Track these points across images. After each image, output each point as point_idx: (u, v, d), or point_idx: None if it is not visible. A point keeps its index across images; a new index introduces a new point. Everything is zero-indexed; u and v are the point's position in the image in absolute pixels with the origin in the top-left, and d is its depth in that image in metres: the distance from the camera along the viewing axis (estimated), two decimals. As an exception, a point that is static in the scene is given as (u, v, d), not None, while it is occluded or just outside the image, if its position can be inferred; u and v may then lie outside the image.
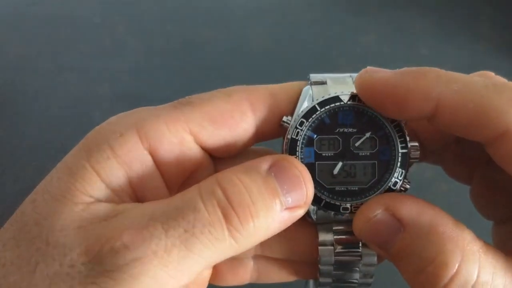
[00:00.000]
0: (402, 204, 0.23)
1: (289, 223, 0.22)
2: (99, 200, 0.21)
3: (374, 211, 0.23)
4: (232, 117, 0.24)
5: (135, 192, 0.23)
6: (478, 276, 0.21)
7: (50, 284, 0.18)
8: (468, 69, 0.75)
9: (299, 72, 0.72)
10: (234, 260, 0.27)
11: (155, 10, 0.79)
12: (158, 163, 0.23)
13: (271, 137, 0.25)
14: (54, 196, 0.21)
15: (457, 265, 0.21)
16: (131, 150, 0.22)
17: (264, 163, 0.22)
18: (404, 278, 0.23)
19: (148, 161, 0.23)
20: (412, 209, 0.23)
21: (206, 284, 0.27)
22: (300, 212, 0.23)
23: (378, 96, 0.24)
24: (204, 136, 0.24)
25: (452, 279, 0.21)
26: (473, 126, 0.23)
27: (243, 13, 0.78)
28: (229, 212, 0.20)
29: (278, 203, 0.21)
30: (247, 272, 0.27)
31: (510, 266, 0.22)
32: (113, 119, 0.23)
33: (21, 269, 0.19)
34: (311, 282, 0.30)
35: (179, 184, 0.24)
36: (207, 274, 0.26)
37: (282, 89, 0.26)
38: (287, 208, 0.21)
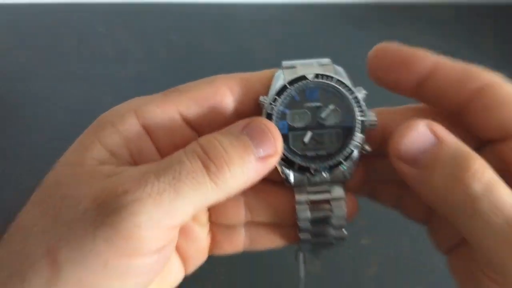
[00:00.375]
0: (438, 125, 0.27)
1: (265, 171, 0.27)
2: (104, 163, 0.26)
3: (417, 124, 0.27)
4: (214, 98, 0.28)
5: (133, 160, 0.28)
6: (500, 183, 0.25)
7: (69, 229, 0.23)
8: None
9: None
10: (229, 229, 0.32)
11: (158, 19, 0.80)
12: (152, 137, 0.28)
13: (249, 116, 0.29)
14: (68, 163, 0.27)
15: (481, 168, 0.25)
16: (129, 125, 0.27)
17: (238, 126, 0.27)
18: (423, 193, 0.27)
19: (143, 134, 0.28)
20: (445, 130, 0.27)
21: (206, 253, 0.32)
22: (272, 161, 0.27)
23: (390, 57, 0.30)
24: (190, 115, 0.28)
25: (476, 178, 0.25)
26: (458, 82, 0.28)
27: (247, 24, 0.79)
28: (207, 161, 0.25)
29: (251, 153, 0.26)
30: (240, 239, 0.32)
31: None
32: (115, 106, 0.29)
33: (45, 219, 0.24)
34: (301, 255, 0.33)
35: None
36: (206, 243, 0.31)
37: (257, 74, 0.31)
38: (260, 158, 0.26)
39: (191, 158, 0.24)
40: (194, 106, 0.28)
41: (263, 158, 0.26)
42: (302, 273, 0.34)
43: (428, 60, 0.30)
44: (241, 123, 0.27)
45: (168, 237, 0.25)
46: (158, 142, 0.28)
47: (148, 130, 0.28)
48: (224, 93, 0.29)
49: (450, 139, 0.27)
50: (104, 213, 0.23)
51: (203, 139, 0.26)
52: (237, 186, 0.26)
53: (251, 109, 0.29)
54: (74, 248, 0.23)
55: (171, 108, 0.28)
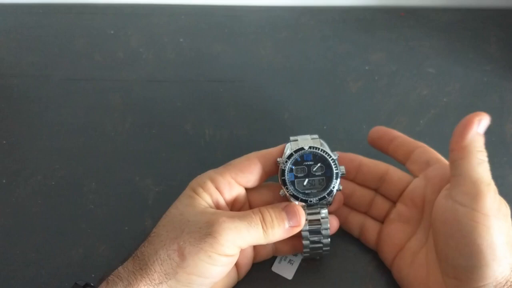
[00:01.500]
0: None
1: (292, 234, 0.47)
2: (206, 207, 0.46)
3: (473, 117, 0.45)
4: (250, 167, 0.48)
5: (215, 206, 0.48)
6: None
7: (190, 236, 0.42)
8: (475, 88, 0.76)
9: (307, 88, 0.74)
10: (266, 245, 0.52)
11: (167, 23, 0.81)
12: (221, 193, 0.48)
13: (272, 174, 0.50)
14: (187, 205, 0.46)
15: None
16: (210, 188, 0.47)
17: (281, 205, 0.47)
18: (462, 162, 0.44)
19: (218, 193, 0.47)
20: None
21: (252, 261, 0.52)
22: (297, 229, 0.47)
23: (381, 133, 0.56)
24: (238, 179, 0.48)
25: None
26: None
27: (254, 29, 0.79)
28: (263, 223, 0.45)
29: (286, 223, 0.46)
30: (270, 249, 0.52)
31: None
32: (198, 176, 0.49)
33: (175, 232, 0.43)
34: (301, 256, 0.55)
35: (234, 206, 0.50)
36: (251, 254, 0.51)
37: (275, 149, 0.50)
38: (290, 227, 0.46)
39: (256, 218, 0.44)
40: (240, 173, 0.48)
41: (292, 227, 0.46)
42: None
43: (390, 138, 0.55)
44: (283, 204, 0.47)
45: (236, 252, 0.44)
46: (224, 195, 0.48)
47: (218, 190, 0.47)
48: (256, 163, 0.48)
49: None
50: (211, 230, 0.42)
51: (262, 209, 0.46)
52: (275, 239, 0.46)
53: (273, 169, 0.49)
54: (193, 245, 0.42)
55: (228, 175, 0.47)
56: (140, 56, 0.76)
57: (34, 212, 0.59)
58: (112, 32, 0.79)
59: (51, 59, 0.76)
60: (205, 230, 0.42)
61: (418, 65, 0.74)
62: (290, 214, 0.46)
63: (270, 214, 0.45)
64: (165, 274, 0.41)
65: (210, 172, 0.48)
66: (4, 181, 0.62)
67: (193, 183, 0.47)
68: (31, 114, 0.69)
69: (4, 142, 0.66)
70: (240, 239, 0.43)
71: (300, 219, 0.46)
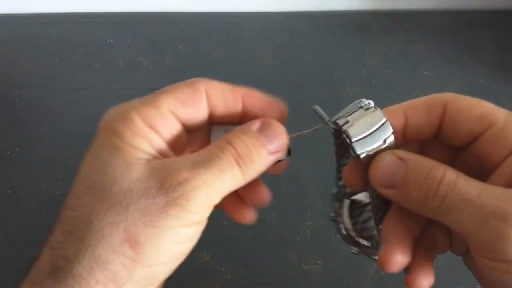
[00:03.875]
0: (402, 151, 0.33)
1: (274, 162, 0.34)
2: (150, 158, 0.31)
3: (385, 156, 0.33)
4: (195, 100, 0.34)
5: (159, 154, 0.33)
6: (458, 178, 0.30)
7: (142, 213, 0.29)
8: (471, 90, 0.77)
9: (304, 92, 0.75)
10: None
11: (166, 31, 0.81)
12: (157, 134, 0.33)
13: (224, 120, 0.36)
14: (117, 164, 0.30)
15: (442, 173, 0.30)
16: (141, 128, 0.32)
17: (254, 125, 0.34)
18: (408, 206, 0.32)
19: (153, 134, 0.32)
20: (408, 153, 0.33)
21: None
22: (279, 155, 0.34)
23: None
24: (178, 113, 0.33)
25: (441, 182, 0.30)
26: (428, 117, 0.34)
27: (252, 35, 0.80)
28: (238, 159, 0.31)
29: (265, 150, 0.33)
30: None
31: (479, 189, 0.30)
32: (115, 111, 0.33)
33: (116, 211, 0.29)
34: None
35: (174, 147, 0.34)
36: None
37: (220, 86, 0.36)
38: (271, 153, 0.33)
39: (227, 155, 0.31)
40: (181, 107, 0.33)
41: (273, 153, 0.33)
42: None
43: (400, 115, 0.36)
44: (253, 123, 0.34)
45: (209, 212, 0.32)
46: (162, 136, 0.33)
47: (152, 129, 0.32)
48: (202, 95, 0.34)
49: (413, 158, 0.32)
50: (173, 196, 0.29)
51: (231, 139, 0.32)
52: (255, 175, 0.33)
53: (224, 112, 0.36)
54: (152, 226, 0.29)
55: (164, 109, 0.33)
56: (140, 65, 0.77)
57: (39, 222, 0.60)
58: (111, 41, 0.80)
59: (52, 69, 0.77)
60: (163, 199, 0.29)
61: (415, 68, 0.75)
62: (269, 134, 0.33)
63: (245, 142, 0.32)
64: (113, 281, 0.28)
65: (134, 103, 0.33)
66: (8, 191, 0.62)
67: (112, 122, 0.32)
68: (33, 124, 0.70)
69: (8, 153, 0.67)
70: (214, 195, 0.31)
71: (282, 139, 0.34)
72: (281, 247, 0.58)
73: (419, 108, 0.35)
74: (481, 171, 0.33)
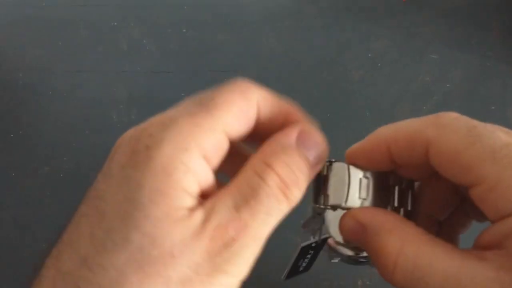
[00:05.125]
0: (361, 212, 0.30)
1: (313, 176, 0.29)
2: (193, 209, 0.25)
3: (347, 219, 0.30)
4: (249, 116, 0.27)
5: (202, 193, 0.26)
6: (417, 257, 0.26)
7: (183, 284, 0.23)
8: (478, 74, 0.76)
9: (310, 76, 0.74)
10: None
11: (170, 13, 0.81)
12: (209, 164, 0.26)
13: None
14: (159, 218, 0.24)
15: (396, 253, 0.26)
16: (196, 162, 0.25)
17: (291, 136, 0.27)
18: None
19: (207, 168, 0.26)
20: (367, 215, 0.29)
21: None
22: (319, 167, 0.28)
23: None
24: (232, 132, 0.27)
25: (396, 263, 0.26)
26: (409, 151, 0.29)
27: (257, 18, 0.79)
28: (285, 190, 0.26)
29: (309, 167, 0.27)
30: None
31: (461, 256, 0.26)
32: (165, 135, 0.25)
33: (154, 284, 0.23)
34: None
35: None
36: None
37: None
38: (313, 167, 0.28)
39: (272, 186, 0.25)
40: (236, 124, 0.27)
41: (315, 167, 0.28)
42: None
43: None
44: (293, 133, 0.28)
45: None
46: (212, 165, 0.27)
47: (207, 160, 0.26)
48: (255, 109, 0.28)
49: (370, 224, 0.29)
50: (219, 262, 0.24)
51: (271, 161, 0.26)
52: (297, 202, 0.27)
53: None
54: None
55: (221, 132, 0.26)
56: (143, 48, 0.76)
57: (43, 203, 0.60)
58: (115, 24, 0.80)
59: (55, 52, 0.76)
60: (209, 267, 0.24)
61: (421, 51, 0.74)
62: (308, 145, 0.28)
63: (288, 164, 0.26)
64: None
65: (181, 121, 0.25)
66: (13, 174, 0.63)
67: (162, 148, 0.24)
68: (37, 107, 0.70)
69: (12, 135, 0.67)
70: (259, 247, 0.26)
71: (324, 147, 0.29)
72: (285, 229, 0.58)
73: (401, 142, 0.29)
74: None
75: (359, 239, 0.29)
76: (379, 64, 0.72)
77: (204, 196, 0.26)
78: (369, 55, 0.74)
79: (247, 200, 0.25)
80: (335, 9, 0.80)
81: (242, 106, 0.27)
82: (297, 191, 0.26)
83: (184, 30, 0.78)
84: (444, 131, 0.27)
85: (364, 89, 0.70)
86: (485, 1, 0.80)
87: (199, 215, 0.24)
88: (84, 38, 0.78)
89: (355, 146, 0.32)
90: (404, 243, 0.27)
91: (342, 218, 0.30)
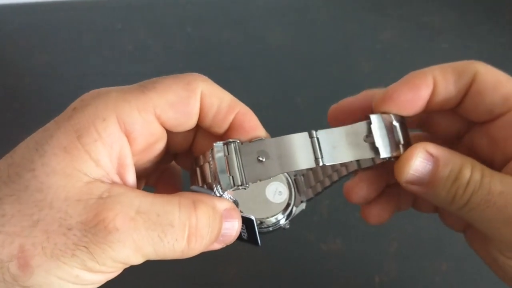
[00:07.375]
0: (432, 146, 0.30)
1: (211, 248, 0.30)
2: (94, 179, 0.26)
3: (416, 153, 0.30)
4: (189, 105, 0.29)
5: (116, 169, 0.28)
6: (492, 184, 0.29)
7: (48, 238, 0.24)
8: (490, 62, 0.74)
9: (318, 70, 0.73)
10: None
11: (174, 13, 0.80)
12: (130, 142, 0.28)
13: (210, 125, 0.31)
14: (54, 170, 0.25)
15: (470, 173, 0.29)
16: (112, 133, 0.27)
17: (225, 203, 0.30)
18: (434, 203, 0.32)
19: (125, 142, 0.27)
20: (438, 148, 0.30)
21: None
22: (222, 245, 0.31)
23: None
24: (165, 117, 0.29)
25: (469, 183, 0.29)
26: (455, 83, 0.32)
27: (261, 13, 0.79)
28: (192, 238, 0.27)
29: (217, 240, 0.30)
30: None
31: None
32: (91, 102, 0.28)
33: (22, 222, 0.24)
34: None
35: (144, 153, 0.30)
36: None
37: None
38: (221, 241, 0.30)
39: (182, 227, 0.27)
40: (169, 109, 0.28)
41: (221, 242, 0.30)
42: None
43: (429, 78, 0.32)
44: (226, 203, 0.30)
45: (123, 269, 0.27)
46: (135, 146, 0.28)
47: (127, 135, 0.28)
48: (198, 99, 0.29)
49: (444, 156, 0.30)
50: (90, 239, 0.25)
51: (200, 207, 0.28)
52: (192, 255, 0.29)
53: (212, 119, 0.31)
54: (50, 257, 0.24)
55: (149, 111, 0.28)
56: (149, 49, 0.76)
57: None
58: (119, 26, 0.79)
59: (61, 57, 0.76)
60: (78, 234, 0.25)
61: (431, 41, 0.72)
62: (229, 221, 0.30)
63: (211, 219, 0.28)
64: None
65: (117, 95, 0.28)
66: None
67: (82, 113, 0.27)
68: (44, 112, 0.69)
69: (19, 141, 0.66)
70: (137, 258, 0.26)
71: (236, 234, 0.31)
72: (299, 228, 0.57)
73: (449, 74, 0.32)
74: (492, 152, 0.32)
75: (423, 172, 0.30)
76: (388, 56, 0.71)
77: (121, 175, 0.28)
78: (378, 46, 0.72)
79: (152, 217, 0.26)
80: (341, 1, 0.79)
81: (181, 94, 0.28)
82: (199, 245, 0.28)
83: (189, 29, 0.78)
84: (489, 68, 0.32)
85: (374, 81, 0.68)
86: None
87: (98, 188, 0.26)
88: (89, 42, 0.78)
89: (387, 91, 0.36)
90: (474, 168, 0.29)
91: (407, 153, 0.31)
